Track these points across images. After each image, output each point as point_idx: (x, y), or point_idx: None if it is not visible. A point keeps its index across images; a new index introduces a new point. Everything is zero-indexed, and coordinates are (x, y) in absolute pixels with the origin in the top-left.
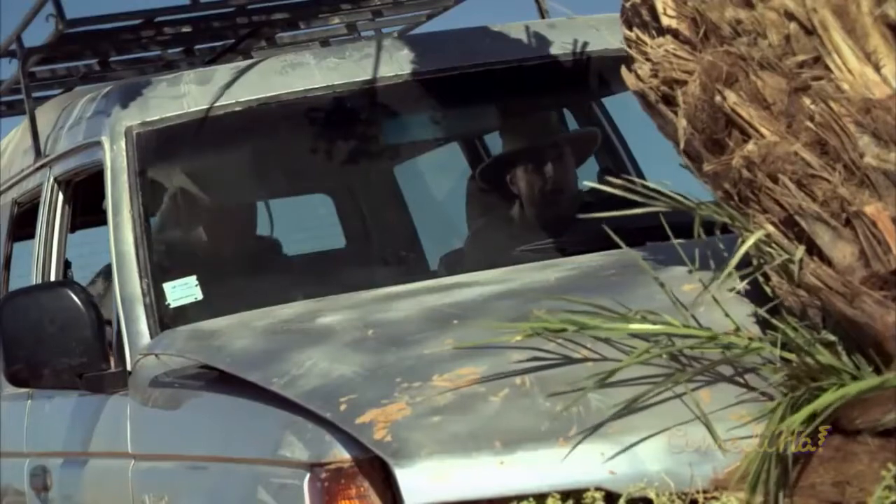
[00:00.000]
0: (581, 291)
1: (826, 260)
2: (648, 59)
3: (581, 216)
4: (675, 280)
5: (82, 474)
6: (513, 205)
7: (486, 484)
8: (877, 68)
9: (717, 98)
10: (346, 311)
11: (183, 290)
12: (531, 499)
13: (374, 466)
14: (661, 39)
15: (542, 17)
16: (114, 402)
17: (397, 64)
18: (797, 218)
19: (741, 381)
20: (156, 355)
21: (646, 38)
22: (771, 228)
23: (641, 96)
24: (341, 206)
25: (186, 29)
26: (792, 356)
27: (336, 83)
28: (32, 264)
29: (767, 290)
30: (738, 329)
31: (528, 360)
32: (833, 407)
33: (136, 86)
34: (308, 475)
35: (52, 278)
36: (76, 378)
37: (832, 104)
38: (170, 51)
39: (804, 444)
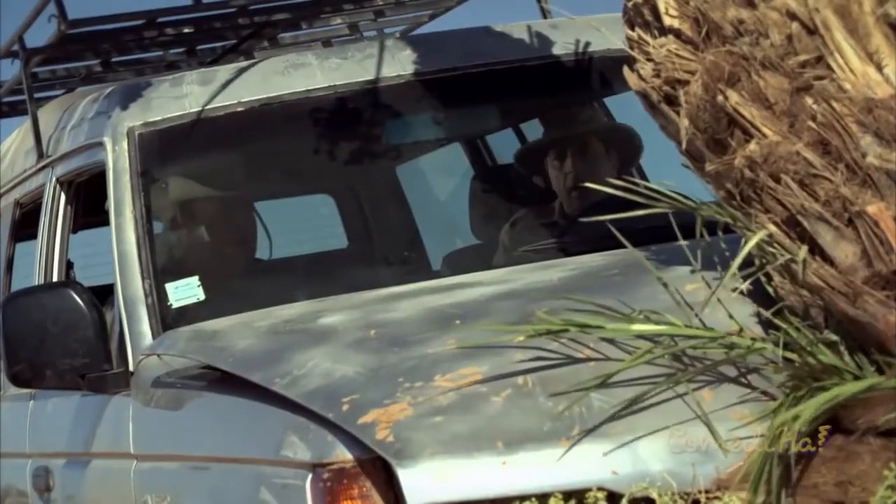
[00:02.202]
0: (583, 291)
1: (828, 260)
2: (650, 59)
3: (583, 219)
4: (677, 280)
5: (84, 475)
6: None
7: (488, 484)
8: (879, 68)
9: (720, 98)
10: (348, 311)
11: (185, 291)
12: (533, 499)
13: (376, 467)
14: (663, 39)
15: (544, 17)
16: (116, 402)
17: (399, 64)
18: (799, 218)
19: (744, 380)
20: (158, 356)
21: (648, 38)
22: (773, 228)
23: (643, 96)
24: (343, 206)
25: (188, 29)
26: (794, 356)
27: (338, 83)
28: (35, 265)
29: (770, 290)
30: (740, 329)
31: (531, 361)
32: (832, 404)
33: (139, 86)
34: (310, 475)
35: (55, 279)
36: (79, 379)
37: (834, 104)
38: (172, 51)
39: (805, 444)
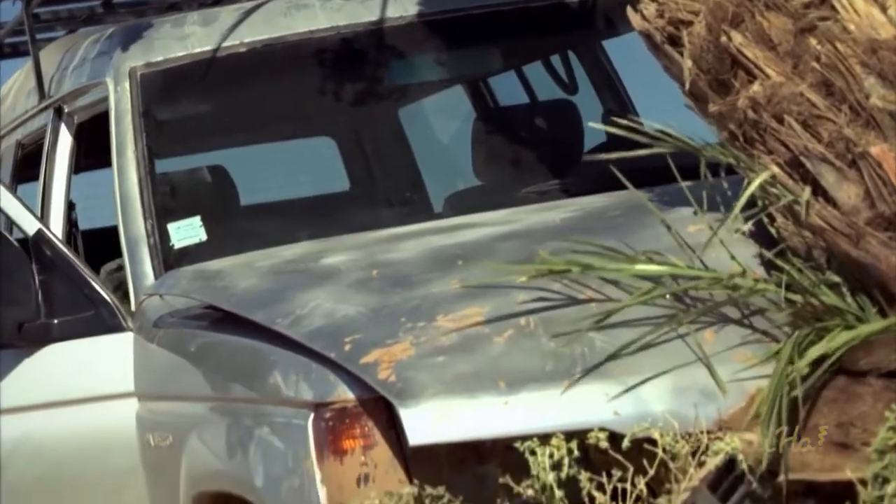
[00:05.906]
0: (586, 232)
1: (831, 201)
2: (654, 0)
3: (587, 158)
4: (680, 221)
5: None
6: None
7: (490, 424)
8: (883, 9)
9: (723, 38)
10: (350, 251)
11: (187, 231)
12: (535, 439)
13: (378, 406)
14: None
15: None
16: (118, 341)
17: (402, 5)
18: (802, 159)
19: (746, 322)
20: (160, 296)
21: None
22: (776, 169)
23: (647, 37)
24: (345, 148)
25: None
26: (797, 297)
27: (340, 24)
28: (36, 206)
29: (772, 231)
30: (743, 270)
31: (533, 301)
32: (841, 350)
33: (141, 27)
34: (312, 415)
35: (56, 220)
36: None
37: (838, 45)
38: None
39: (809, 386)
